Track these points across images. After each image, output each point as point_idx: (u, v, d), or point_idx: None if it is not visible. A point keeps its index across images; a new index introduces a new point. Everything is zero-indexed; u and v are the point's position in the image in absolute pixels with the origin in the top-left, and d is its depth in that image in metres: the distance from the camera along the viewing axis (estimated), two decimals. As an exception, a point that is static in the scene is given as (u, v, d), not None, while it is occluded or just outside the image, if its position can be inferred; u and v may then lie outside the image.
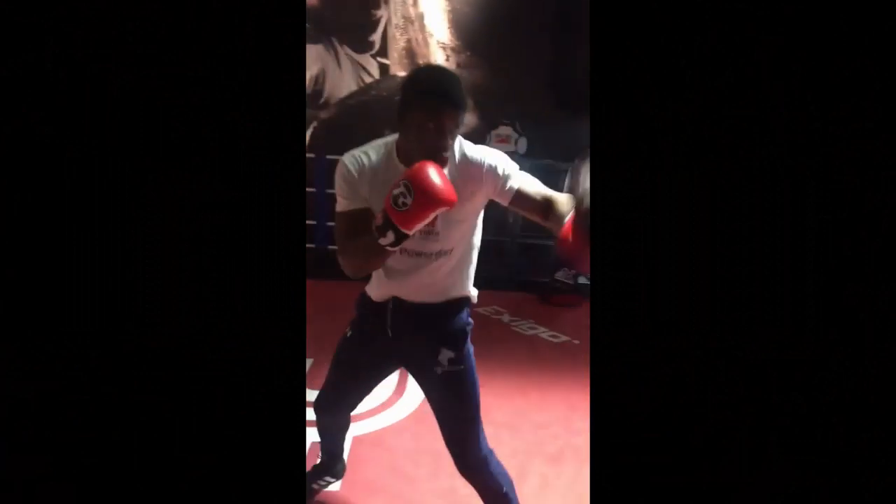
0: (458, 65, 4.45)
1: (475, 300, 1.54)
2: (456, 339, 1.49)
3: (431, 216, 1.19)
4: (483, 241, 1.53)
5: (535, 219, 1.42)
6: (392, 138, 1.38)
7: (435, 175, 1.17)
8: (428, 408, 1.55)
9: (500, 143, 4.75)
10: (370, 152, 1.36)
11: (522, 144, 4.79)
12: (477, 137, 1.46)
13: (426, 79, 1.30)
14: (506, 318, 3.92)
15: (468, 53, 4.60)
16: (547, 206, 1.36)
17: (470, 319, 1.53)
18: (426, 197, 1.15)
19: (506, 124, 4.79)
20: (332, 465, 1.89)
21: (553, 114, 4.82)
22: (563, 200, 1.33)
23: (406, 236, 1.20)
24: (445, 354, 1.46)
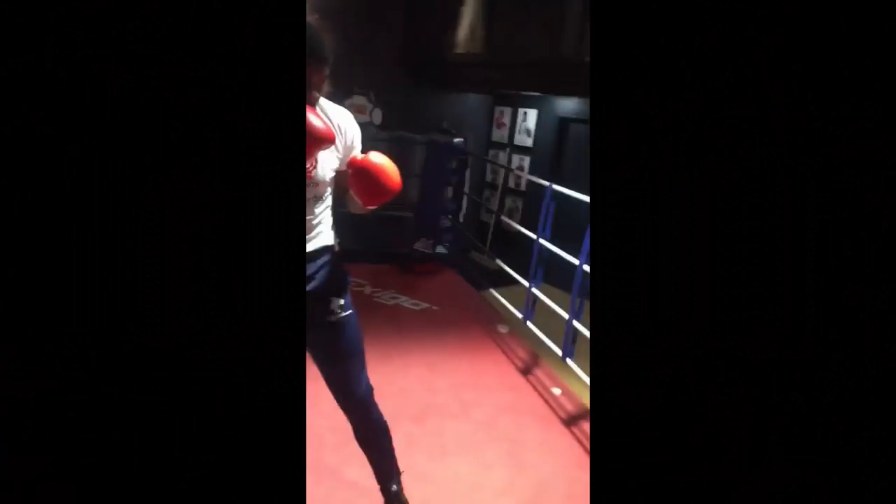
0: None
1: (337, 247, 1.63)
2: (342, 287, 1.59)
3: (315, 154, 1.27)
4: (341, 213, 1.63)
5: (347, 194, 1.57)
6: None
7: (313, 115, 1.25)
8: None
9: (356, 112, 4.75)
10: None
11: (377, 115, 4.80)
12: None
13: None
14: (367, 289, 4.08)
15: (316, 16, 4.43)
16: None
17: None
18: (311, 134, 1.22)
19: (361, 94, 4.76)
20: None
21: (407, 87, 4.82)
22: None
23: None
24: (336, 303, 1.56)
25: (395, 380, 2.82)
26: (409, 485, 2.01)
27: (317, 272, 1.53)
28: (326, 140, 1.26)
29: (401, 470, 1.80)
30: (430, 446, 2.33)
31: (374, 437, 1.71)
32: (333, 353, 1.61)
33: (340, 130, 1.49)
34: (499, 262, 4.08)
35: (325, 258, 1.55)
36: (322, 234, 1.55)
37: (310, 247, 1.52)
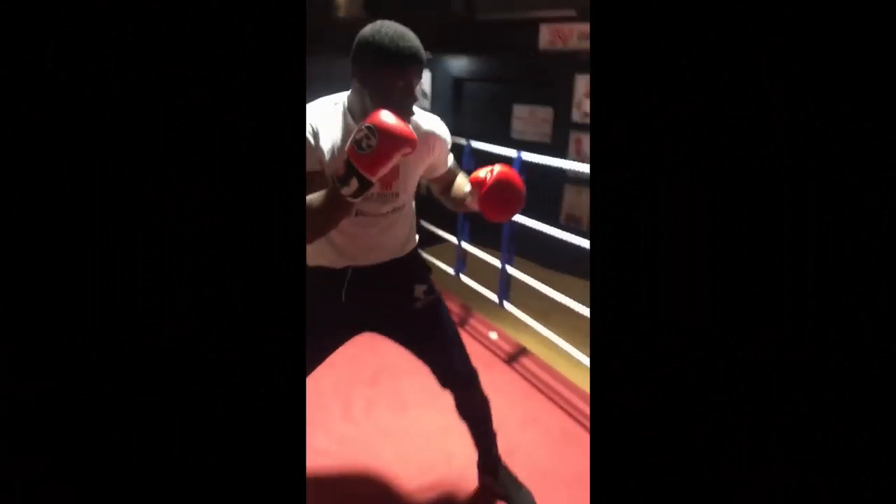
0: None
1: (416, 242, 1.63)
2: (423, 274, 1.59)
3: (395, 160, 1.18)
4: None
5: (443, 194, 1.58)
6: (339, 98, 1.37)
7: (396, 118, 1.18)
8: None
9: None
10: (320, 115, 1.34)
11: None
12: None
13: (389, 36, 1.24)
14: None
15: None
16: (457, 183, 1.54)
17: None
18: (392, 137, 1.15)
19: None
20: None
21: (326, 51, 4.77)
22: (462, 179, 1.52)
23: (370, 184, 1.19)
24: (419, 289, 1.56)
25: (343, 349, 2.90)
26: (381, 440, 2.11)
27: (400, 270, 1.53)
28: (410, 144, 1.18)
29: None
30: (391, 403, 2.44)
31: (475, 413, 1.74)
32: (427, 338, 1.59)
33: (442, 142, 1.45)
34: (423, 222, 4.10)
35: (409, 257, 1.56)
36: (408, 239, 1.54)
37: (397, 253, 1.51)
